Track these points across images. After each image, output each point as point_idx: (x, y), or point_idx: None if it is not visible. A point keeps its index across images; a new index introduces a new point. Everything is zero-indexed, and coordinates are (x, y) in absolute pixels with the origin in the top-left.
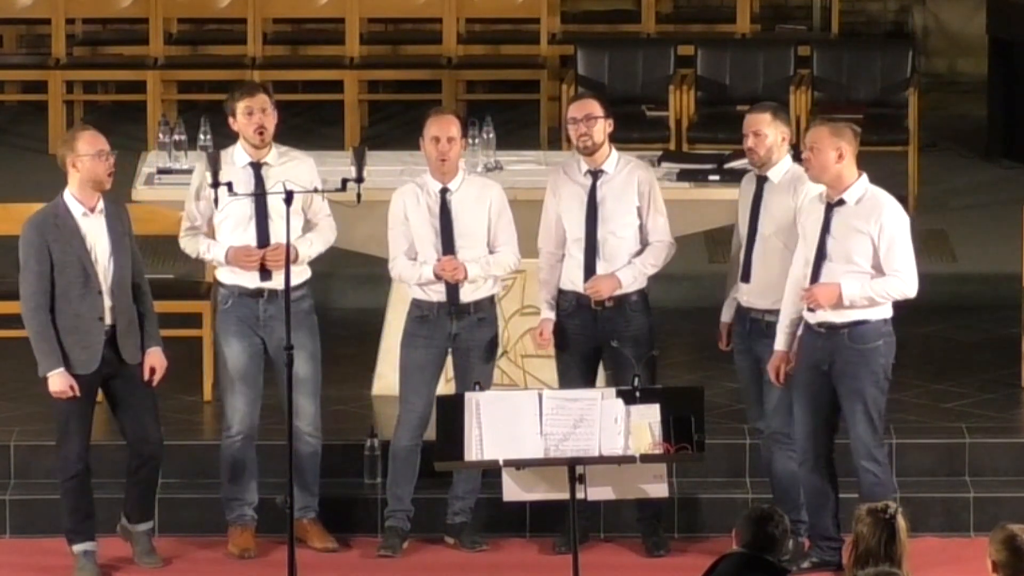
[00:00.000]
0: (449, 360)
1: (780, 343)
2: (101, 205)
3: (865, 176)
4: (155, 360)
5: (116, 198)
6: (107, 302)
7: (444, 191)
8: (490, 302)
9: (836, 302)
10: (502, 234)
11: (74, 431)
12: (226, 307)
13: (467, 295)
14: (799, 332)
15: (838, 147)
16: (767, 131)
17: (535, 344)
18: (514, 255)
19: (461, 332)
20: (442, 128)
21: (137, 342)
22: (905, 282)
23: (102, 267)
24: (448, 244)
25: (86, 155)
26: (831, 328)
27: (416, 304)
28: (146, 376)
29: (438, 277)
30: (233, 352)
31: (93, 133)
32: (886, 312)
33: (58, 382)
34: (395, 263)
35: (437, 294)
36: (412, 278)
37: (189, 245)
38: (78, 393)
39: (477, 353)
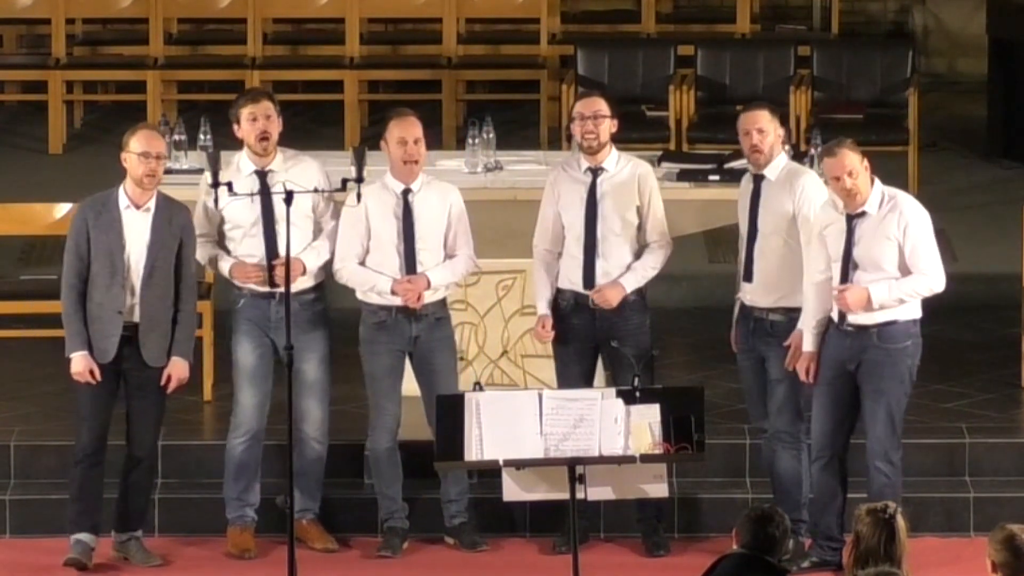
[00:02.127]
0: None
1: (808, 344)
2: (152, 204)
3: (878, 180)
4: (176, 370)
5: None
6: (130, 298)
7: (406, 192)
8: (443, 302)
9: (866, 306)
10: (460, 238)
11: (85, 417)
12: (239, 307)
13: (425, 297)
14: (828, 331)
15: (864, 163)
16: (768, 127)
17: (537, 340)
18: (471, 260)
19: (421, 334)
20: (408, 130)
21: (163, 345)
22: (932, 279)
23: (134, 263)
24: (410, 246)
25: (133, 152)
26: (860, 328)
27: (372, 311)
28: (162, 381)
29: (393, 292)
30: (243, 352)
31: (149, 134)
32: (915, 312)
33: (78, 363)
34: (343, 266)
35: (395, 298)
36: (363, 285)
37: (199, 252)
38: (98, 378)
39: (440, 350)
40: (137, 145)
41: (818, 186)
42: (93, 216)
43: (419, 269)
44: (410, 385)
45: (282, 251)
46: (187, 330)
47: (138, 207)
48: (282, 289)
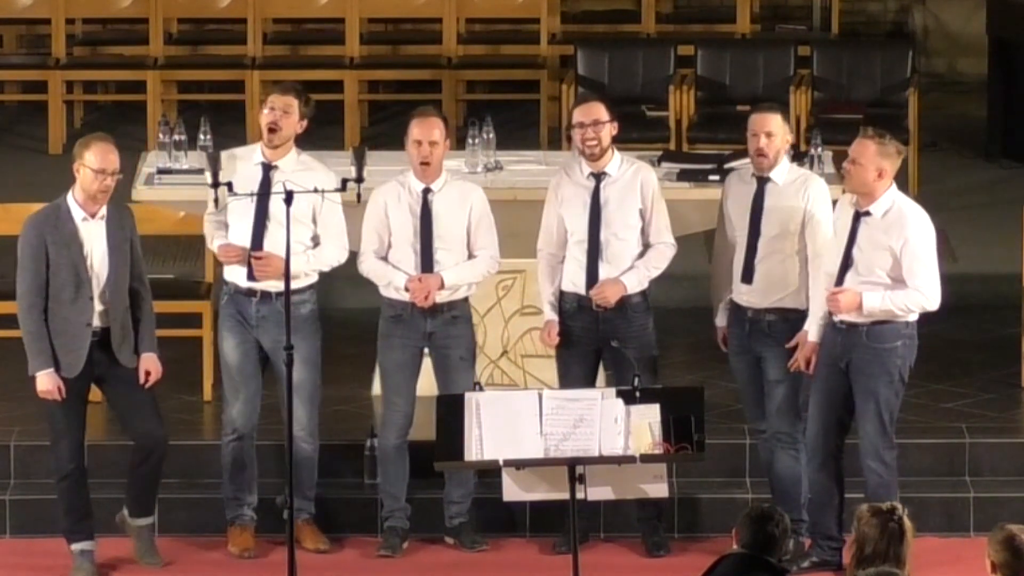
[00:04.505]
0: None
1: (813, 334)
2: (103, 211)
3: (894, 187)
4: (150, 364)
5: (119, 200)
6: (98, 307)
7: (426, 191)
8: (464, 301)
9: (856, 310)
10: (481, 238)
11: (63, 431)
12: (223, 303)
13: (442, 297)
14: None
15: (880, 167)
16: (776, 131)
17: (543, 345)
18: (493, 260)
19: (436, 330)
20: (424, 131)
21: (132, 346)
22: (926, 296)
23: (96, 273)
24: (427, 245)
25: (88, 167)
26: (851, 326)
27: (389, 304)
28: (141, 379)
29: (406, 289)
30: (228, 348)
31: (105, 148)
32: (909, 315)
33: (45, 382)
34: (365, 259)
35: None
36: (381, 279)
37: (206, 229)
38: (63, 395)
39: (455, 348)
40: (93, 161)
41: (826, 193)
42: (50, 231)
43: (436, 268)
44: (420, 383)
45: (270, 248)
46: (150, 326)
47: (92, 216)
48: (260, 287)
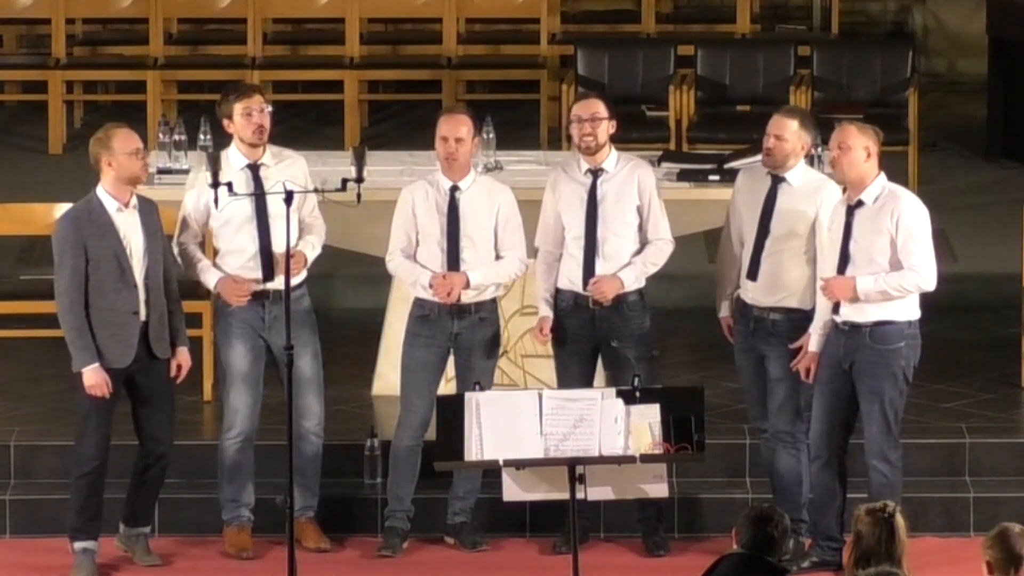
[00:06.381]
0: (451, 360)
1: (813, 344)
2: (135, 201)
3: (883, 175)
4: (184, 359)
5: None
6: (141, 296)
7: (454, 189)
8: (492, 303)
9: (851, 296)
10: (509, 239)
11: (94, 427)
12: (231, 310)
13: (468, 297)
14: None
15: (866, 146)
16: (788, 137)
17: (536, 341)
18: (520, 262)
19: (463, 331)
20: (451, 128)
21: (167, 338)
22: (921, 276)
23: (137, 262)
24: (454, 242)
25: (122, 154)
26: (854, 327)
27: (418, 304)
28: (172, 373)
29: (431, 286)
30: (237, 355)
31: (128, 132)
32: (912, 314)
33: (93, 376)
34: (393, 257)
35: None
36: (408, 278)
37: (183, 255)
38: (111, 389)
39: (478, 351)
40: (123, 146)
41: (839, 198)
42: (85, 225)
43: (462, 267)
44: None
45: (276, 246)
46: (182, 318)
47: (126, 205)
48: (273, 287)
